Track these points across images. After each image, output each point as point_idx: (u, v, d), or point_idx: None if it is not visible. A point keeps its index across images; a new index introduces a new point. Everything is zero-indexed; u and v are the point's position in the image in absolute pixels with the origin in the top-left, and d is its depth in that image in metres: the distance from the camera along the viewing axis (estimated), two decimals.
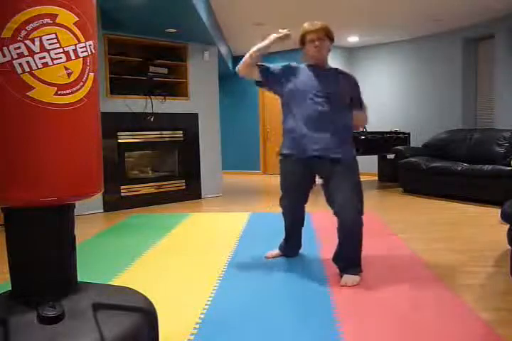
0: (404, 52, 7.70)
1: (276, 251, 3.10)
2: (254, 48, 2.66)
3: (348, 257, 2.64)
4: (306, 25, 2.65)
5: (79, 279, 1.48)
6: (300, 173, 2.71)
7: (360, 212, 2.56)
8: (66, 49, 1.30)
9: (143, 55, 5.52)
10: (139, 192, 5.46)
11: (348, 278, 2.55)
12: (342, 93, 2.61)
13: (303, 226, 3.03)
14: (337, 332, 1.95)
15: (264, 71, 2.69)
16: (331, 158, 2.55)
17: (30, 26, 1.24)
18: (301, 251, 3.11)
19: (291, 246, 3.07)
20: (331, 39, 2.64)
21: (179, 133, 5.79)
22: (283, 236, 3.05)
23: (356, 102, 2.70)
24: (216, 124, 6.27)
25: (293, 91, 2.64)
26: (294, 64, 2.73)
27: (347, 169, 2.58)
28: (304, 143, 2.59)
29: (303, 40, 2.65)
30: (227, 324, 2.05)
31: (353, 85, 2.71)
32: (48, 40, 1.27)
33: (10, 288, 1.40)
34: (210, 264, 2.99)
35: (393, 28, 6.87)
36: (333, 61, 2.59)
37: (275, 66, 2.72)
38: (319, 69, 2.66)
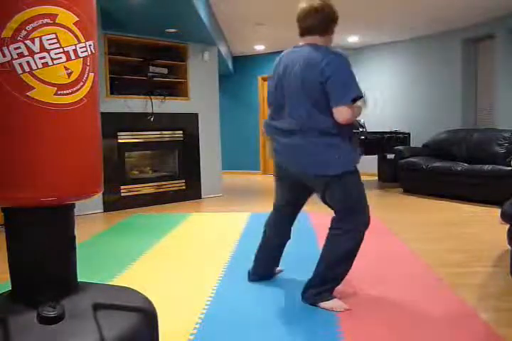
0: (404, 52, 7.70)
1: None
2: None
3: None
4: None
5: (79, 279, 1.48)
6: None
7: None
8: (66, 49, 1.30)
9: (143, 55, 5.51)
10: (139, 192, 5.46)
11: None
12: None
13: None
14: (337, 332, 1.95)
15: None
16: None
17: (30, 26, 1.24)
18: (301, 251, 3.11)
19: None
20: None
21: (179, 133, 5.80)
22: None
23: None
24: (216, 124, 6.27)
25: None
26: None
27: None
28: None
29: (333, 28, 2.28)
30: (227, 324, 2.05)
31: None
32: (48, 40, 1.26)
33: (10, 288, 1.40)
34: (210, 264, 2.99)
35: (393, 28, 6.87)
36: None
37: None
38: None
